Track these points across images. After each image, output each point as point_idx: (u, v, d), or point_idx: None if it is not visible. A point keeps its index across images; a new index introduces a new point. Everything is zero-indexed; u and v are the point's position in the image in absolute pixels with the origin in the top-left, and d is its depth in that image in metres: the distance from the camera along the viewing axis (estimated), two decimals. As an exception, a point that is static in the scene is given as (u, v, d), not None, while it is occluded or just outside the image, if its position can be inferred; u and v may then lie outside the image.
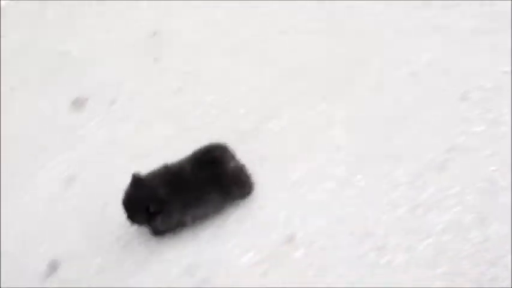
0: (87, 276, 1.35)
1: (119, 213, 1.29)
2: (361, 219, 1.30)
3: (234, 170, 1.35)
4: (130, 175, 1.28)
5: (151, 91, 1.65)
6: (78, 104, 1.65)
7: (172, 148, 1.49)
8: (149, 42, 1.74)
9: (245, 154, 1.47)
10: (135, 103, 1.63)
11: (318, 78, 1.57)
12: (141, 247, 1.37)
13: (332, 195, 1.36)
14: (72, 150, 1.57)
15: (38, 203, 1.50)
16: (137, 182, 1.29)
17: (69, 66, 1.76)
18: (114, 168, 1.51)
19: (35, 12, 1.89)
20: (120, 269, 1.35)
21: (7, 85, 1.76)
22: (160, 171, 1.32)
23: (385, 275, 1.21)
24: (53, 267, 1.38)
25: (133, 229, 1.36)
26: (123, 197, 1.29)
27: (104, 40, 1.78)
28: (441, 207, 1.25)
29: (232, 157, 1.36)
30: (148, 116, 1.59)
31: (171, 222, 1.33)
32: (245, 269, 1.29)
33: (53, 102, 1.69)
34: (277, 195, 1.38)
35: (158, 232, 1.37)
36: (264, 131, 1.51)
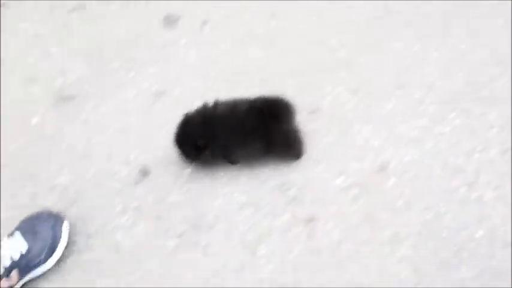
0: (178, 183, 1.40)
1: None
2: (453, 156, 1.34)
3: (286, 133, 1.35)
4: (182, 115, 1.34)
5: (244, 15, 1.66)
6: (169, 21, 1.66)
7: (264, 71, 1.52)
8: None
9: (336, 84, 1.50)
10: (228, 25, 1.64)
11: (414, 18, 1.58)
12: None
13: (424, 130, 1.39)
14: (162, 66, 1.60)
15: (126, 113, 1.53)
16: (186, 121, 1.34)
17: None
18: (203, 87, 1.54)
19: None
20: (211, 178, 1.39)
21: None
22: (214, 109, 1.34)
23: (474, 209, 1.25)
24: (144, 173, 1.43)
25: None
26: (174, 136, 1.35)
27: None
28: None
29: (290, 118, 1.35)
30: (240, 39, 1.61)
31: (219, 158, 1.37)
32: (336, 192, 1.33)
33: (144, 17, 1.71)
34: (370, 124, 1.41)
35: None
36: (357, 64, 1.52)
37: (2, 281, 1.24)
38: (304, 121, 1.39)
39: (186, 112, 1.34)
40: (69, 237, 1.32)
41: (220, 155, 1.37)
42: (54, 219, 1.33)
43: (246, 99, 1.34)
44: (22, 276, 1.27)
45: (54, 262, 1.30)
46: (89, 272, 1.30)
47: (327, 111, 1.45)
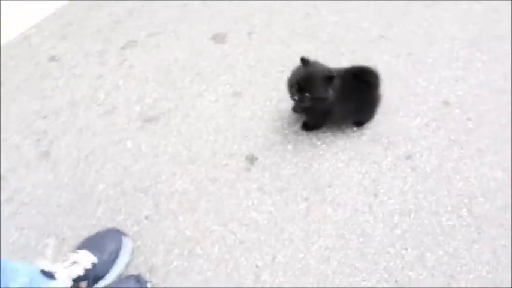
0: (286, 159, 1.60)
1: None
2: (493, 82, 1.69)
3: (375, 97, 1.57)
4: (300, 59, 1.47)
5: (281, 19, 1.94)
6: (218, 38, 1.89)
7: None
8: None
9: (381, 53, 1.81)
10: (271, 30, 1.91)
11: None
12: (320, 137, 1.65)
13: (464, 67, 1.74)
14: (230, 72, 1.81)
15: (213, 116, 1.71)
16: (306, 62, 1.47)
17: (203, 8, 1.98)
18: (270, 81, 1.77)
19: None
20: (312, 147, 1.62)
21: (145, 30, 1.95)
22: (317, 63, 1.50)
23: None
24: (251, 159, 1.61)
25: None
26: (295, 77, 1.46)
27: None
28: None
29: (378, 85, 1.56)
30: (286, 38, 1.88)
31: (331, 104, 1.48)
32: (420, 129, 1.62)
33: (194, 40, 1.92)
34: (422, 75, 1.73)
35: (307, 125, 1.64)
36: (390, 36, 1.86)
37: None
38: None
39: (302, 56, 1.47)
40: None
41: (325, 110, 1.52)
42: (118, 236, 1.41)
43: (343, 68, 1.53)
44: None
45: (116, 275, 1.38)
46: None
47: (384, 75, 1.75)
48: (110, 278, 1.37)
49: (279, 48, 1.86)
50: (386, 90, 1.72)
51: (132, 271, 1.40)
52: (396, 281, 1.36)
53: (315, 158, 1.60)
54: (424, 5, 1.94)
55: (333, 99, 1.48)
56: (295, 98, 1.47)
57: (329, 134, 1.64)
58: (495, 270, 1.38)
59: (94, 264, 1.33)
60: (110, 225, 1.48)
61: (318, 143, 1.63)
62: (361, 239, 1.44)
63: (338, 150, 1.61)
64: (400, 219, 1.47)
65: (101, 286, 1.35)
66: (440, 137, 1.61)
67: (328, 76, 1.44)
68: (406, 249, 1.42)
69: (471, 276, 1.37)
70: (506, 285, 1.36)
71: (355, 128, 1.65)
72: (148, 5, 2.01)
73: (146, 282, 1.37)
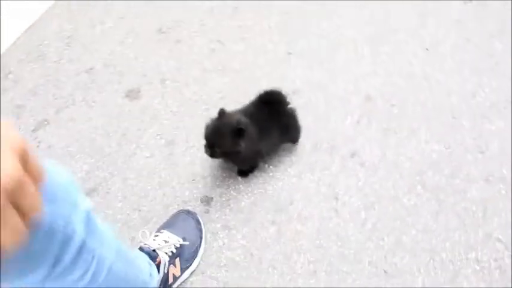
0: (239, 193, 1.60)
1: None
2: (401, 69, 1.85)
3: (290, 112, 1.59)
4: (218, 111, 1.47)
5: (189, 60, 1.96)
6: (133, 94, 1.86)
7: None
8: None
9: (291, 74, 1.90)
10: (182, 73, 1.92)
11: None
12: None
13: (372, 62, 1.89)
14: (155, 124, 1.78)
15: (153, 170, 1.67)
16: (222, 114, 1.47)
17: (108, 68, 1.95)
18: (198, 121, 1.78)
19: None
20: (259, 173, 1.63)
21: (53, 107, 1.86)
22: (235, 112, 1.53)
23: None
24: (207, 201, 1.59)
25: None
26: (205, 132, 1.46)
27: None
28: None
29: (288, 102, 1.59)
30: (199, 77, 1.90)
31: (252, 148, 1.49)
32: (352, 129, 1.71)
33: (109, 101, 1.87)
34: (337, 77, 1.84)
35: (243, 171, 1.64)
36: (296, 52, 1.96)
37: (171, 268, 1.33)
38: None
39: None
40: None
41: (254, 147, 1.50)
42: (192, 216, 1.49)
43: (250, 101, 1.57)
44: (182, 268, 1.38)
45: (199, 260, 1.44)
46: None
47: (303, 87, 1.84)
48: (195, 263, 1.43)
49: (196, 88, 1.88)
50: (311, 100, 1.80)
51: None
52: (385, 272, 1.41)
53: (267, 181, 1.62)
54: (320, 17, 2.08)
55: (255, 140, 1.49)
56: (207, 153, 1.48)
57: (272, 155, 1.67)
58: (465, 232, 1.48)
59: (181, 244, 1.40)
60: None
61: (266, 165, 1.66)
62: (339, 243, 1.47)
63: (286, 167, 1.65)
64: (367, 213, 1.52)
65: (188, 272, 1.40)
66: (374, 128, 1.71)
67: (238, 129, 1.43)
68: (383, 239, 1.47)
69: (447, 244, 1.46)
70: (479, 241, 1.46)
71: (293, 144, 1.70)
72: (51, 81, 1.93)
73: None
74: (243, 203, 1.57)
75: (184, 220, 1.48)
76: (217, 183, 1.63)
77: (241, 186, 1.61)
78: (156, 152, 1.72)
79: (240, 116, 1.49)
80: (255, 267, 1.43)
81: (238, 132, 1.43)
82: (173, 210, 1.56)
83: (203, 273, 1.43)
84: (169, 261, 1.35)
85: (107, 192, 1.63)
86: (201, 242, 1.46)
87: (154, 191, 1.62)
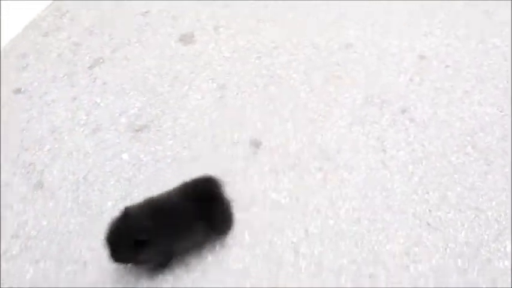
0: (288, 139, 1.64)
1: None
2: (457, 31, 1.84)
3: (222, 206, 1.41)
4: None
5: (245, 10, 2.00)
6: (186, 39, 1.92)
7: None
8: None
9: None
10: (236, 22, 1.96)
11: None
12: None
13: (428, 24, 1.88)
14: (208, 69, 1.84)
15: (203, 112, 1.73)
16: (123, 216, 1.30)
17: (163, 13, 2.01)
18: (251, 68, 1.82)
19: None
20: (308, 122, 1.67)
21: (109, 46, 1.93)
22: (147, 203, 1.36)
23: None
24: (256, 145, 1.64)
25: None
26: (107, 232, 1.28)
27: None
28: None
29: (221, 193, 1.40)
30: (253, 27, 1.93)
31: (158, 253, 1.35)
32: (404, 86, 1.73)
33: (163, 44, 1.94)
34: (390, 35, 1.85)
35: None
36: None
37: None
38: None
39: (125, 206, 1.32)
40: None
41: (160, 251, 1.33)
42: None
43: (175, 189, 1.39)
44: None
45: None
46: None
47: (356, 46, 1.85)
48: None
49: (249, 37, 1.92)
50: (364, 55, 1.82)
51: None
52: (428, 224, 1.44)
53: (316, 130, 1.66)
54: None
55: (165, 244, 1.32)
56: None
57: (322, 106, 1.70)
58: (512, 193, 1.50)
59: None
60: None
61: (315, 116, 1.69)
62: (384, 194, 1.50)
63: (336, 119, 1.68)
64: (414, 167, 1.55)
65: None
66: (427, 87, 1.73)
67: (139, 241, 1.26)
68: (428, 193, 1.50)
69: (493, 203, 1.47)
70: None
71: (347, 95, 1.73)
72: (107, 21, 2.00)
73: None
74: (290, 149, 1.62)
75: None
76: (267, 128, 1.67)
77: (290, 133, 1.65)
78: (207, 94, 1.77)
79: (143, 221, 1.28)
80: (300, 210, 1.48)
81: (140, 243, 1.26)
82: (222, 150, 1.62)
83: (247, 211, 1.48)
84: None
85: (158, 130, 1.70)
86: None
87: (204, 131, 1.68)
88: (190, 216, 1.34)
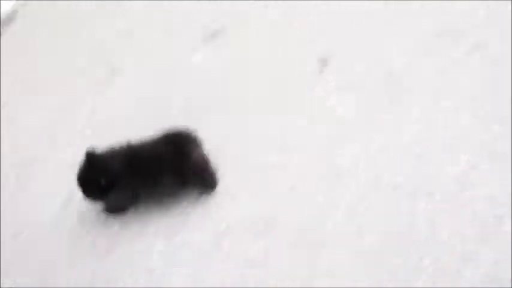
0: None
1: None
2: None
3: (196, 161, 1.42)
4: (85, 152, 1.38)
5: None
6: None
7: None
8: None
9: None
10: None
11: None
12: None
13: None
14: None
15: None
16: (91, 158, 1.37)
17: None
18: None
19: None
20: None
21: None
22: (121, 149, 1.40)
23: None
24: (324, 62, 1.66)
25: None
26: (77, 173, 1.38)
27: None
28: None
29: (197, 147, 1.44)
30: None
31: (123, 198, 1.42)
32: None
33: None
34: None
35: (111, 210, 1.46)
36: None
37: None
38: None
39: (88, 148, 1.38)
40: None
41: (126, 196, 1.42)
42: None
43: (152, 138, 1.42)
44: None
45: None
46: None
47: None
48: None
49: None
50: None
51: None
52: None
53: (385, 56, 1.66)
54: None
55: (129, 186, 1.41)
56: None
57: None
58: None
59: None
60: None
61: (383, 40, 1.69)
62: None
63: (408, 47, 1.67)
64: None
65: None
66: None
67: (104, 185, 1.36)
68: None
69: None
70: None
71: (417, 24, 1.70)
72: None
73: None
74: (356, 68, 1.63)
75: None
76: (335, 46, 1.68)
77: (356, 51, 1.66)
78: (282, 11, 1.79)
79: (111, 165, 1.37)
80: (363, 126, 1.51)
81: (104, 186, 1.36)
82: (289, 65, 1.65)
83: (312, 123, 1.52)
84: None
85: (233, 37, 1.72)
86: None
87: (276, 44, 1.70)
88: (158, 166, 1.38)
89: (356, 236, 1.31)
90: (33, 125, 1.62)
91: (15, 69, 1.83)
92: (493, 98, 1.54)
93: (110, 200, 1.40)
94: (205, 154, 1.42)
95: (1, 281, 1.32)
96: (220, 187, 1.44)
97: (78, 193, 1.38)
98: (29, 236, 1.44)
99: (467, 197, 1.28)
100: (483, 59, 1.61)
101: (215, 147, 1.47)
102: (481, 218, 1.22)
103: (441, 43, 1.66)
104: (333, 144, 1.48)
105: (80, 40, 1.76)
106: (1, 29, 1.93)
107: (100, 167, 1.35)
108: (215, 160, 1.44)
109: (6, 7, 2.02)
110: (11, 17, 1.98)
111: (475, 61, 1.61)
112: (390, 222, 1.32)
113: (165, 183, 1.38)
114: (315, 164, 1.45)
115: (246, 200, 1.42)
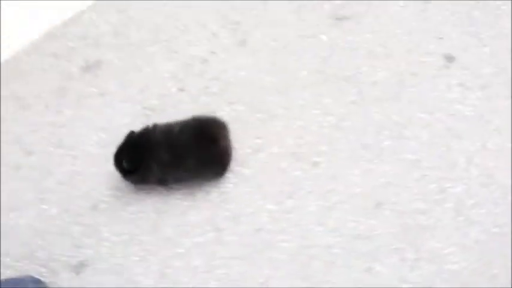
0: (482, 61, 1.67)
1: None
2: None
3: (221, 150, 1.48)
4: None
5: None
6: None
7: None
8: None
9: None
10: None
11: None
12: None
13: None
14: None
15: (404, 18, 1.78)
16: (129, 138, 1.46)
17: None
18: None
19: None
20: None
21: None
22: (151, 129, 1.46)
23: None
24: (449, 59, 1.69)
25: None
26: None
27: None
28: None
29: (225, 136, 1.48)
30: None
31: (150, 180, 1.49)
32: None
33: None
34: None
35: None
36: None
37: None
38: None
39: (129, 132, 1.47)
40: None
41: (152, 179, 1.48)
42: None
43: (183, 121, 1.47)
44: None
45: None
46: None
47: None
48: None
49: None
50: None
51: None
52: None
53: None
54: None
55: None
56: None
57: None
58: None
59: None
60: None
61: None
62: None
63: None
64: None
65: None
66: None
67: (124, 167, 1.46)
68: None
69: None
70: None
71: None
72: None
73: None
74: (484, 71, 1.65)
75: None
76: (463, 46, 1.70)
77: (485, 56, 1.68)
78: (410, 4, 1.83)
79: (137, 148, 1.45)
80: (481, 126, 1.54)
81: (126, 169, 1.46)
82: (413, 56, 1.70)
83: (431, 114, 1.57)
84: None
85: (358, 23, 1.78)
86: None
87: (401, 35, 1.74)
88: (188, 151, 1.43)
89: (463, 229, 1.38)
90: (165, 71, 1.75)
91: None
92: None
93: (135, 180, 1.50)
94: (230, 144, 1.50)
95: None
96: (335, 163, 1.52)
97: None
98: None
99: None
100: None
101: (339, 120, 1.57)
102: None
103: None
104: (449, 139, 1.52)
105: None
106: None
107: (128, 147, 1.46)
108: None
109: None
110: None
111: None
112: (498, 221, 1.38)
113: (187, 167, 1.45)
114: (428, 154, 1.50)
115: (358, 179, 1.49)
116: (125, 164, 1.45)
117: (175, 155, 1.43)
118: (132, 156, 1.44)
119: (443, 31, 1.74)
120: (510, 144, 1.49)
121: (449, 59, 1.69)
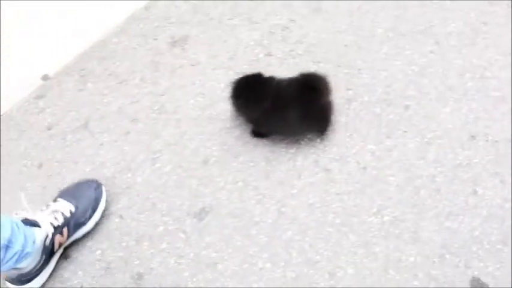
0: None
1: None
2: None
3: (324, 105, 1.55)
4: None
5: None
6: None
7: None
8: None
9: None
10: None
11: None
12: None
13: None
14: None
15: None
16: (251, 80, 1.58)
17: None
18: None
19: None
20: None
21: None
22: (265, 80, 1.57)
23: None
24: None
25: None
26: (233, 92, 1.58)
27: None
28: None
29: (328, 92, 1.52)
30: None
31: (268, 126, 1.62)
32: None
33: None
34: None
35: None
36: None
37: (56, 237, 1.41)
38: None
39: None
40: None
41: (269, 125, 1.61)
42: (96, 184, 1.54)
43: (291, 77, 1.56)
44: (70, 234, 1.46)
45: (95, 222, 1.51)
46: None
47: None
48: (90, 224, 1.51)
49: None
50: None
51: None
52: None
53: None
54: None
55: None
56: None
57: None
58: None
59: (72, 212, 1.46)
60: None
61: None
62: None
63: None
64: None
65: (82, 233, 1.50)
66: None
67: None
68: None
69: None
70: None
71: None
72: None
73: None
74: None
75: (84, 189, 1.53)
76: None
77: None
78: None
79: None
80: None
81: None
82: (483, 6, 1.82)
83: (506, 56, 1.68)
84: (54, 232, 1.41)
85: None
86: (94, 212, 1.51)
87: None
88: (294, 106, 1.50)
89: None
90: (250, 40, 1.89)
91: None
92: None
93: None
94: (331, 102, 1.57)
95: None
96: (425, 104, 1.64)
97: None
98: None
99: None
100: None
101: (422, 68, 1.70)
102: None
103: None
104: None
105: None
106: None
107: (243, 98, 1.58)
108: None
109: None
110: None
111: None
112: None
113: (290, 122, 1.55)
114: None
115: (449, 117, 1.61)
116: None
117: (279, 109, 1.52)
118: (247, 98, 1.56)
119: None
120: None
121: (517, 6, 1.82)
